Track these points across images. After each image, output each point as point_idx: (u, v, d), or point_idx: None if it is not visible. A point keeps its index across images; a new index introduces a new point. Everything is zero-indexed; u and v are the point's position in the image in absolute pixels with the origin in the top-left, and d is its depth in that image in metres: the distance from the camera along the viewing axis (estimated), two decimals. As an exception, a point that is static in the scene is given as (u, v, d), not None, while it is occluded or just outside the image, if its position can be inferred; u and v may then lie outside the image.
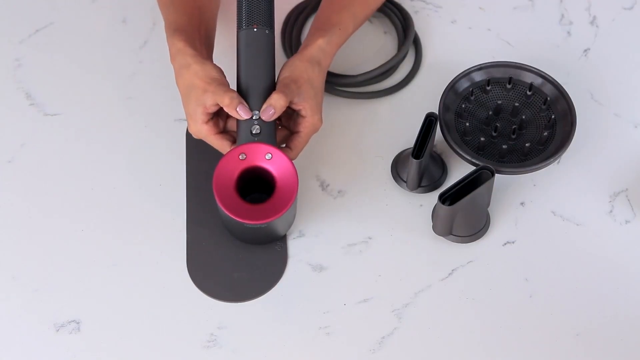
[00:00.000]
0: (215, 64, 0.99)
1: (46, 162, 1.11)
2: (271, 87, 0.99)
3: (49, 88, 1.16)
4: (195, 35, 1.01)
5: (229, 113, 0.96)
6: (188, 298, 1.01)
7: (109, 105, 1.15)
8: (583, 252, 1.04)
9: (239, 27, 1.00)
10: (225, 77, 0.99)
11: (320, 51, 1.02)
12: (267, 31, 0.99)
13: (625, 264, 1.03)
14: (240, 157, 0.95)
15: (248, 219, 0.94)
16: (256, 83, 0.98)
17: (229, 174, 0.94)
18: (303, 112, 0.98)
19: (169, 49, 1.00)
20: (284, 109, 0.96)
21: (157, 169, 1.10)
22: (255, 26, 0.99)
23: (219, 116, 1.00)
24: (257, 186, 0.97)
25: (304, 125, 0.99)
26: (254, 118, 0.96)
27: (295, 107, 0.98)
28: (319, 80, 1.01)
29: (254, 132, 0.96)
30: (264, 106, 0.96)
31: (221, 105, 0.96)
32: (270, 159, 0.95)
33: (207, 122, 0.98)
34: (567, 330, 0.99)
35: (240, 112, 0.95)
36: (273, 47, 1.00)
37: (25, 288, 1.02)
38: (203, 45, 1.01)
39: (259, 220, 0.94)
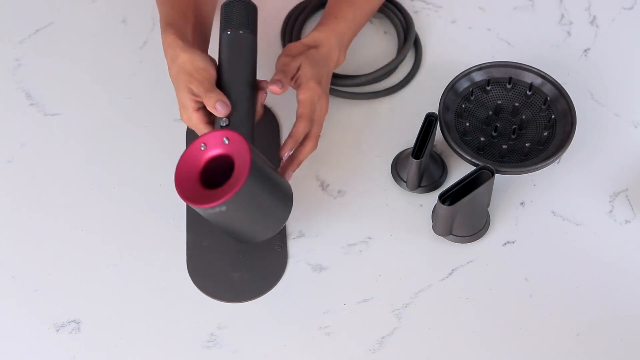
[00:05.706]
0: (206, 55, 0.98)
1: (46, 162, 1.11)
2: (247, 86, 0.99)
3: (49, 88, 1.17)
4: (188, 29, 1.01)
5: (208, 109, 0.96)
6: (188, 298, 1.01)
7: (109, 105, 1.15)
8: (583, 252, 1.04)
9: (220, 30, 1.01)
10: (214, 67, 0.98)
11: (340, 37, 1.06)
12: (240, 32, 1.00)
13: (625, 264, 1.03)
14: (201, 147, 0.93)
15: (204, 203, 0.90)
16: (232, 82, 0.98)
17: (191, 164, 0.92)
18: (299, 80, 1.00)
19: (162, 44, 1.00)
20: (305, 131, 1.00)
21: (157, 169, 1.10)
22: (229, 29, 0.99)
23: None
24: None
25: (301, 92, 1.00)
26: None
27: (297, 73, 1.01)
28: (332, 58, 1.05)
29: (223, 124, 0.96)
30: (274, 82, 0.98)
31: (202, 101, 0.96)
32: (227, 143, 0.92)
33: (197, 110, 0.97)
34: (567, 330, 0.99)
35: (218, 108, 0.95)
36: (251, 47, 1.01)
37: (25, 288, 1.02)
38: (196, 38, 1.02)
39: (214, 202, 0.89)
